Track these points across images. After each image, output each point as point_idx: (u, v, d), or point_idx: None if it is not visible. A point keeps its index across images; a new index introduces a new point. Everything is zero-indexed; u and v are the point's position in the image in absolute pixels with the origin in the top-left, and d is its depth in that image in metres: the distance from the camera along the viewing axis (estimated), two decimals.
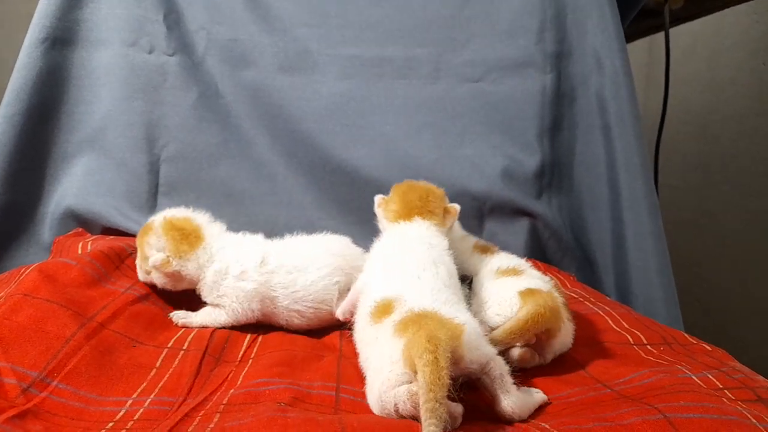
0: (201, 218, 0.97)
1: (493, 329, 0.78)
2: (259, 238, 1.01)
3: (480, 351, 0.62)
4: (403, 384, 0.58)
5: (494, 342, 0.73)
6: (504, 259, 0.95)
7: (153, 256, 0.91)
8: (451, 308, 0.67)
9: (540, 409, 0.67)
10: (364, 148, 1.41)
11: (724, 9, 1.65)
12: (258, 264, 0.93)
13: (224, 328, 0.92)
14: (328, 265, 0.96)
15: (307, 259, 0.96)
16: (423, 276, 0.75)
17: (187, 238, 0.92)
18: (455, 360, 0.58)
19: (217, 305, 0.93)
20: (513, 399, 0.62)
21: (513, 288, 0.82)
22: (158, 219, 0.95)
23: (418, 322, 0.61)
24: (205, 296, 0.94)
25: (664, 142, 1.60)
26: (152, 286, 0.97)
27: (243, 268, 0.92)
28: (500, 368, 0.63)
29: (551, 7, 1.48)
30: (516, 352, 0.77)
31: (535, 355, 0.79)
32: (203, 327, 0.92)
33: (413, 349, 0.56)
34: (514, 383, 0.64)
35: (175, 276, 0.93)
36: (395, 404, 0.58)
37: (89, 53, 1.33)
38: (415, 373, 0.55)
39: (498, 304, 0.81)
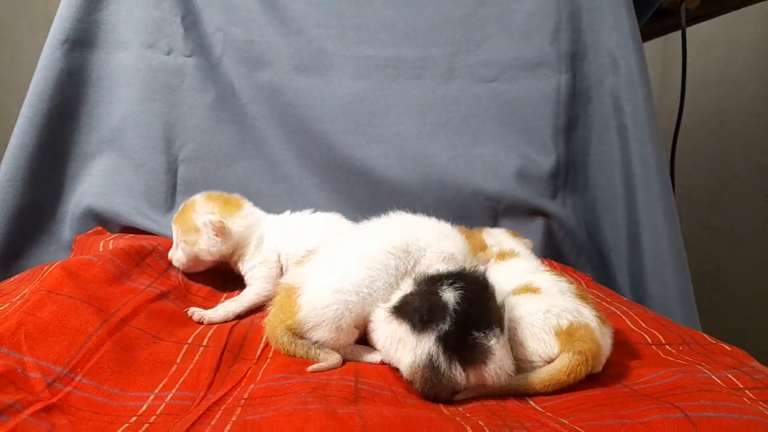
0: (236, 195, 1.13)
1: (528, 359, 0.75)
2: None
3: (316, 333, 0.77)
4: None
5: (531, 388, 0.71)
6: (515, 269, 0.91)
7: (206, 216, 1.03)
8: (317, 286, 0.79)
9: (558, 402, 0.68)
10: (379, 148, 1.42)
11: (741, 8, 1.64)
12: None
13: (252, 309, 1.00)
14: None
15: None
16: (336, 247, 0.86)
17: (228, 202, 1.08)
18: (300, 335, 0.79)
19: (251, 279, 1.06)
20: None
21: (541, 314, 0.76)
22: (195, 197, 1.08)
23: (278, 296, 0.83)
24: (245, 264, 1.07)
25: (678, 141, 1.59)
26: (173, 287, 0.99)
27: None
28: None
29: (566, 7, 1.47)
30: None
31: None
32: (224, 320, 0.95)
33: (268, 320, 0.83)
34: None
35: (226, 235, 1.04)
36: None
37: (108, 55, 1.35)
38: None
39: (532, 336, 0.75)
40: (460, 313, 0.68)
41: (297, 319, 0.78)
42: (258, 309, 1.00)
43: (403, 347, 0.71)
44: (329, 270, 0.81)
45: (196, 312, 0.93)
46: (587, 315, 0.76)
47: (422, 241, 0.84)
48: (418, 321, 0.69)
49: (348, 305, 0.77)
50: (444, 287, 0.71)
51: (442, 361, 0.66)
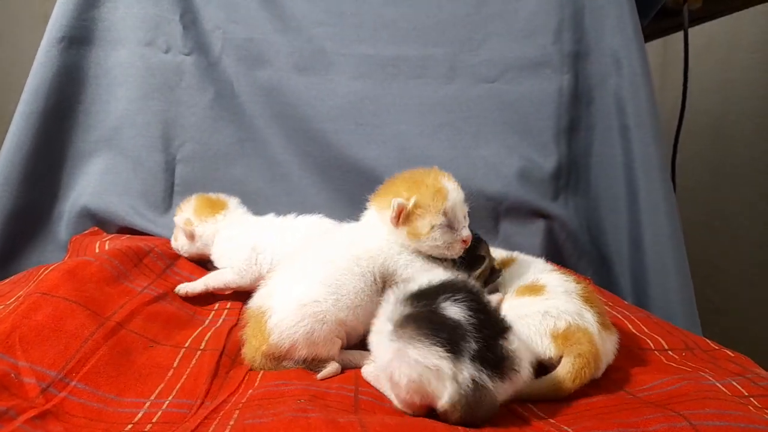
0: (232, 199, 1.16)
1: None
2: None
3: (295, 353, 0.75)
4: None
5: (538, 396, 0.70)
6: (522, 269, 0.89)
7: (182, 218, 1.09)
8: (282, 306, 0.76)
9: (561, 409, 0.67)
10: (379, 148, 1.41)
11: (743, 9, 1.63)
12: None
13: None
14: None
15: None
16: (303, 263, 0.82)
17: (210, 206, 1.12)
18: (280, 358, 0.76)
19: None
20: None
21: (539, 316, 0.75)
22: (193, 196, 1.15)
23: (248, 323, 0.79)
24: (217, 262, 1.09)
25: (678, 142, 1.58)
26: (171, 288, 0.98)
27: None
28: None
29: (569, 6, 1.46)
30: None
31: None
32: (203, 291, 1.00)
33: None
34: None
35: (193, 237, 1.09)
36: None
37: (106, 52, 1.34)
38: None
39: (527, 338, 0.73)
40: (477, 326, 0.61)
41: (271, 344, 0.75)
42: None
43: (438, 378, 0.60)
44: (292, 284, 0.78)
45: (181, 288, 0.98)
46: (588, 319, 0.75)
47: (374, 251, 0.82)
48: (451, 344, 0.60)
49: (317, 316, 0.74)
50: (442, 303, 0.64)
51: (486, 380, 0.60)
